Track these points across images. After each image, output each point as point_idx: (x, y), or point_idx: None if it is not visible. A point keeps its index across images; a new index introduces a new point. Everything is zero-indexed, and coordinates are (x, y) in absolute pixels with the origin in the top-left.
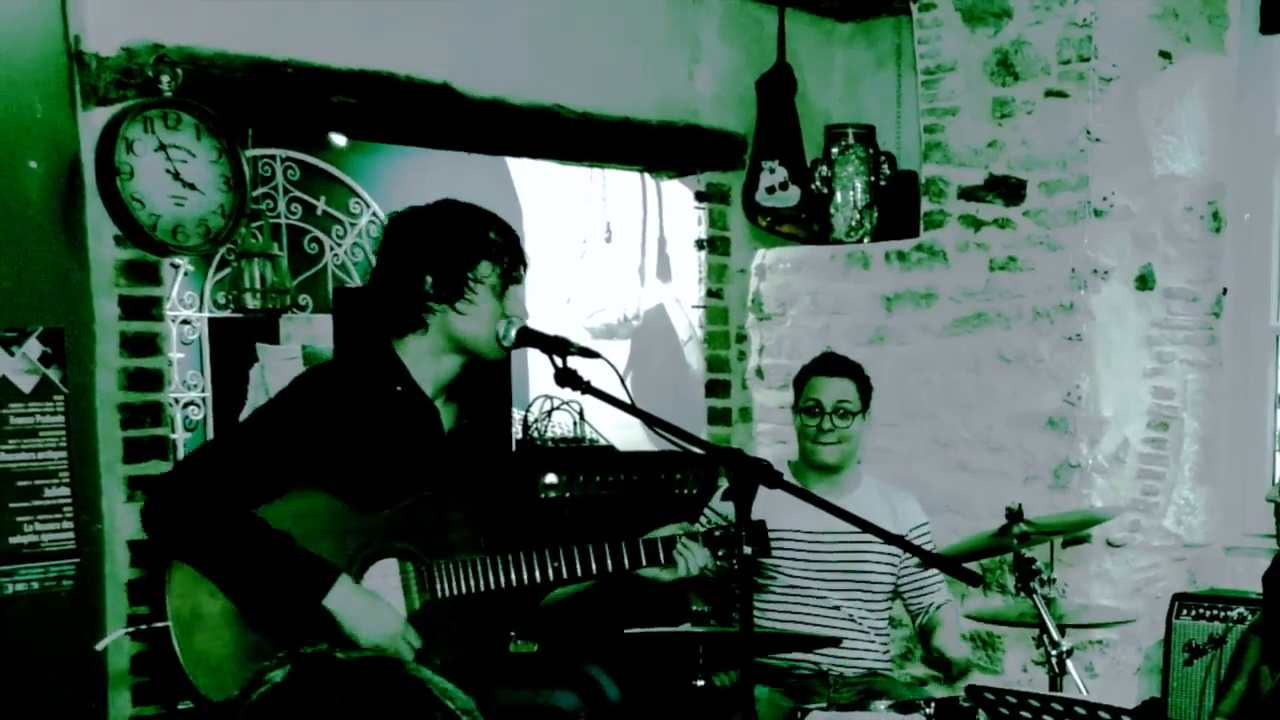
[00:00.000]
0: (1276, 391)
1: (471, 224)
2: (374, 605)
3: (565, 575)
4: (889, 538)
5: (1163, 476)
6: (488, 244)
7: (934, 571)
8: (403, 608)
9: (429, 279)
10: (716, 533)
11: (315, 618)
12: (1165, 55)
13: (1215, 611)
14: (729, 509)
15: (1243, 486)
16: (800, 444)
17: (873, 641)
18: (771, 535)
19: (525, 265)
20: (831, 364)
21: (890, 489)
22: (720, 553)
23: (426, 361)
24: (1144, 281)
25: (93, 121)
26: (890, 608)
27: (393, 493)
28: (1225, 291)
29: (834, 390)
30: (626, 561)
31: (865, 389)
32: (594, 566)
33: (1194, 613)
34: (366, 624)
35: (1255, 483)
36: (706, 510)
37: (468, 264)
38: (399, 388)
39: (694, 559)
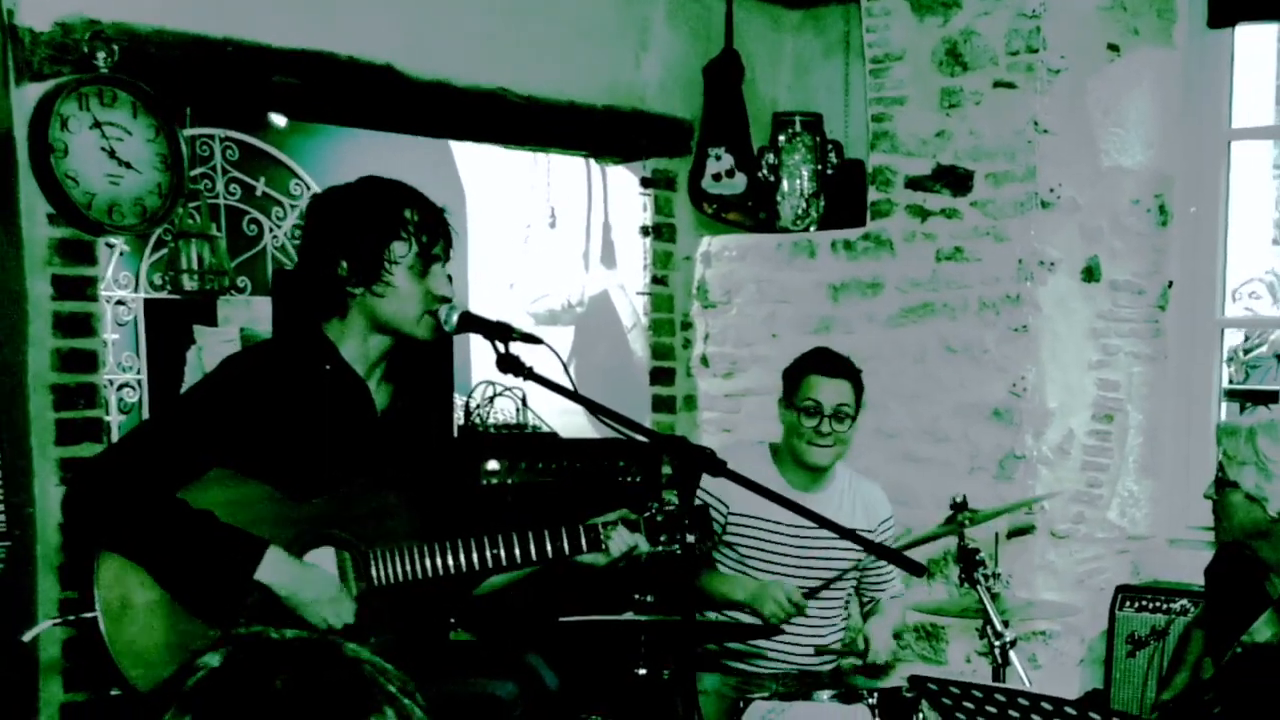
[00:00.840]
0: (1221, 385)
1: (385, 204)
2: (307, 571)
3: (504, 562)
4: (845, 533)
5: (1107, 468)
6: (401, 223)
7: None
8: None
9: (343, 263)
10: (659, 518)
11: (250, 593)
12: (1113, 48)
13: (1158, 603)
14: (720, 488)
15: (1186, 479)
16: (789, 440)
17: (822, 635)
18: (738, 517)
19: (449, 242)
20: (831, 364)
21: (859, 480)
22: (662, 538)
23: (354, 342)
24: (1090, 274)
25: (26, 98)
26: (847, 605)
27: (326, 476)
28: (1171, 284)
29: (834, 392)
30: (566, 547)
31: (860, 390)
32: (533, 552)
33: (1137, 604)
34: (303, 590)
35: (1199, 475)
36: (700, 491)
37: (380, 247)
38: (328, 366)
39: (618, 540)
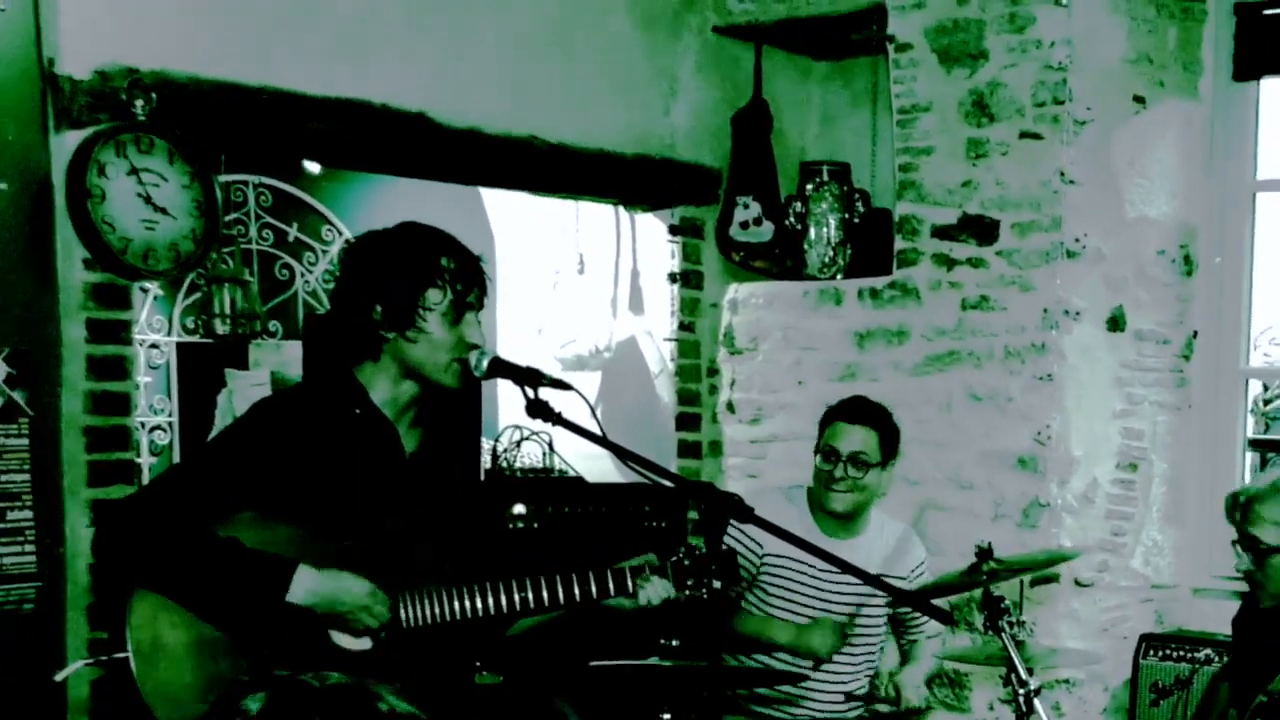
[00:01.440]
0: (1245, 435)
1: (421, 250)
2: (340, 580)
3: (531, 605)
4: (868, 579)
5: (1131, 517)
6: (438, 271)
7: None
8: (367, 639)
9: (378, 308)
10: (686, 563)
11: (286, 616)
12: (1139, 100)
13: (1182, 652)
14: (755, 529)
15: (1210, 528)
16: (815, 485)
17: (851, 680)
18: (771, 560)
19: (483, 290)
20: (856, 411)
21: (893, 525)
22: (689, 583)
23: (385, 386)
24: (1115, 323)
25: (65, 144)
26: (876, 655)
27: (355, 519)
28: (1195, 334)
29: (853, 439)
30: (594, 591)
31: (889, 439)
32: (560, 596)
33: (1161, 653)
34: (341, 598)
35: (1223, 525)
36: (734, 532)
37: (416, 293)
38: (358, 410)
39: (653, 590)
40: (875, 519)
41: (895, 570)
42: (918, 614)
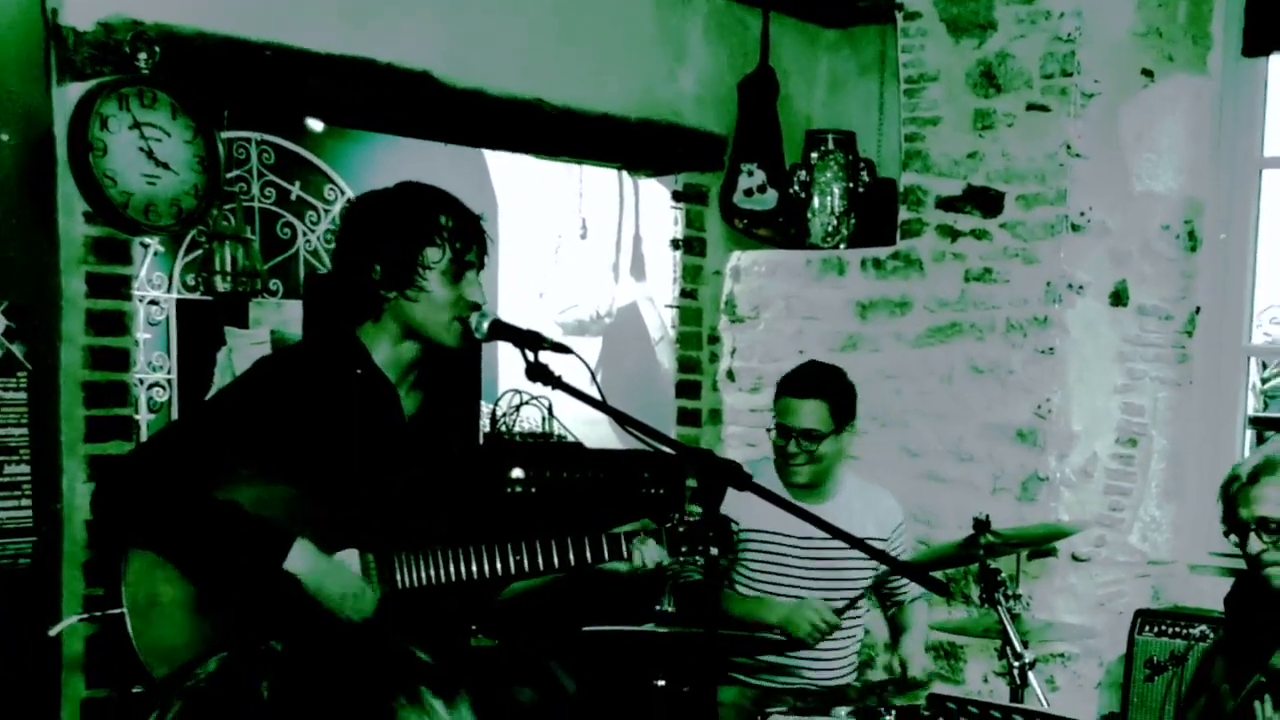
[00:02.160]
0: (1246, 412)
1: (420, 208)
2: (332, 564)
3: (527, 568)
4: (856, 543)
5: (1130, 493)
6: (436, 229)
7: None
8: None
9: (378, 267)
10: (680, 529)
11: (275, 586)
12: (1147, 73)
13: (1178, 629)
14: (730, 505)
15: (1209, 505)
16: (775, 458)
17: (842, 648)
18: (748, 535)
19: (484, 248)
20: (802, 384)
21: (869, 488)
22: (684, 549)
23: (386, 347)
24: (1118, 297)
25: (67, 97)
26: (863, 616)
27: (352, 479)
28: (1198, 310)
29: (802, 414)
30: (589, 556)
31: (841, 406)
32: (556, 560)
33: (1156, 629)
34: (329, 583)
35: None
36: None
37: (414, 251)
38: (359, 370)
39: (647, 553)
40: (848, 482)
41: (873, 532)
42: (896, 576)
